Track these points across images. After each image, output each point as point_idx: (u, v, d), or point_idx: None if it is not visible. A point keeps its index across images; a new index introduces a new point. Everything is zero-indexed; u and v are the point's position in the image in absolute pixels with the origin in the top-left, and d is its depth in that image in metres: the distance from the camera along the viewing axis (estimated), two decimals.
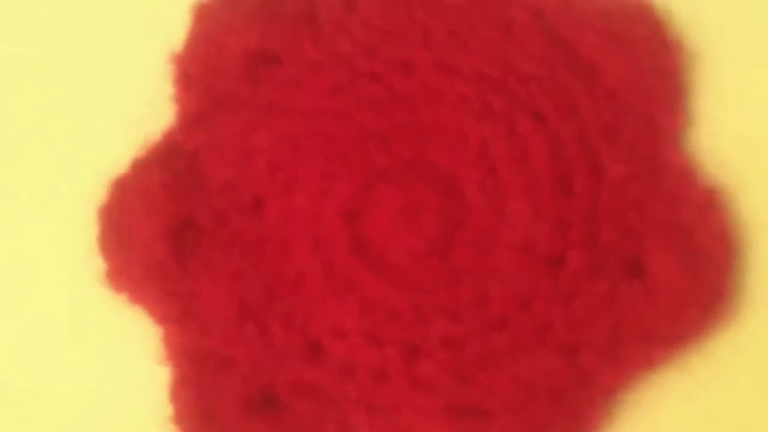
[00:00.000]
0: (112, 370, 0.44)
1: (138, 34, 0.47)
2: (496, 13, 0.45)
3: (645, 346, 0.41)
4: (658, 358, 0.41)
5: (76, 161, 0.46)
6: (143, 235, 0.43)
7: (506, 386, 0.41)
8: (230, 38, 0.45)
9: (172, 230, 0.43)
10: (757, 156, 0.43)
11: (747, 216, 0.43)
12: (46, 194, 0.46)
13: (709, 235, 0.42)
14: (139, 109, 0.45)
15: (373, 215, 0.43)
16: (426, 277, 0.42)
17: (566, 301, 0.42)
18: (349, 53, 0.45)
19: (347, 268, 0.43)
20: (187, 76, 0.45)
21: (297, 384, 0.42)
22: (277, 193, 0.44)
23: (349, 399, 0.42)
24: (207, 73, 0.45)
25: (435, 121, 0.44)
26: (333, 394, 0.42)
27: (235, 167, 0.44)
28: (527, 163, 0.43)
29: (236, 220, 0.44)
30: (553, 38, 0.45)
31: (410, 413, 0.42)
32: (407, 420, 0.42)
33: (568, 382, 0.41)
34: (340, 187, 0.44)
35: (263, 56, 0.45)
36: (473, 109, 0.44)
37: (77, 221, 0.44)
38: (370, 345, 0.42)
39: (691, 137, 0.44)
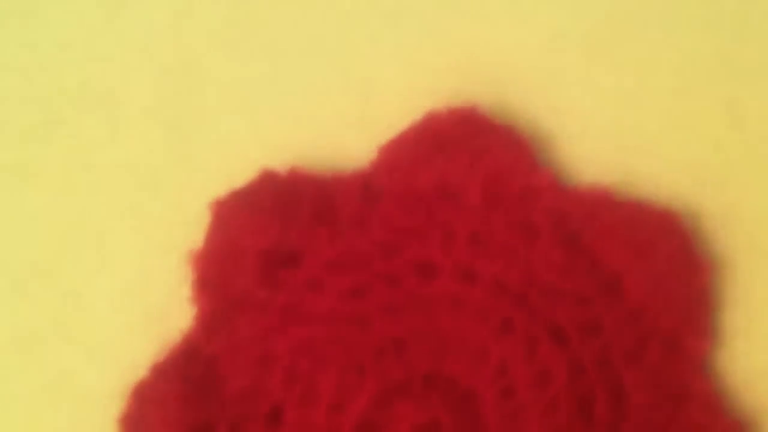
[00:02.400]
0: None
1: (158, 231, 0.48)
2: (518, 217, 0.45)
3: None
4: None
5: (94, 364, 0.47)
6: None
7: None
8: (247, 238, 0.46)
9: None
10: None
11: None
12: (63, 402, 0.47)
13: None
14: (159, 310, 0.46)
15: (389, 431, 0.44)
16: None
17: None
18: (368, 253, 0.46)
19: None
20: (204, 278, 0.46)
21: None
22: (294, 403, 0.45)
23: None
24: (224, 274, 0.46)
25: (454, 332, 0.45)
26: None
27: (252, 374, 0.45)
28: (547, 385, 0.43)
29: (253, 430, 0.45)
30: (576, 246, 0.45)
31: None
32: None
33: None
34: (357, 400, 0.44)
35: (280, 256, 0.46)
36: (492, 323, 0.44)
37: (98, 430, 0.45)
38: None
39: (719, 360, 0.44)
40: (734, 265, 0.44)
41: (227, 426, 0.45)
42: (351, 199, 0.47)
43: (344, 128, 0.48)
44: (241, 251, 0.46)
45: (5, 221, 0.49)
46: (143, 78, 0.51)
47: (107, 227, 0.49)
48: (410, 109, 0.47)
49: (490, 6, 0.50)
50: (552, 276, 0.44)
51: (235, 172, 0.47)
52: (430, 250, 0.46)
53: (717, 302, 0.44)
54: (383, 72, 0.49)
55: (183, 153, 0.49)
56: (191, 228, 0.47)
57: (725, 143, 0.46)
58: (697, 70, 0.48)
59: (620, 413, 0.43)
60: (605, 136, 0.47)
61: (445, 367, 0.44)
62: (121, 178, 0.49)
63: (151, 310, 0.47)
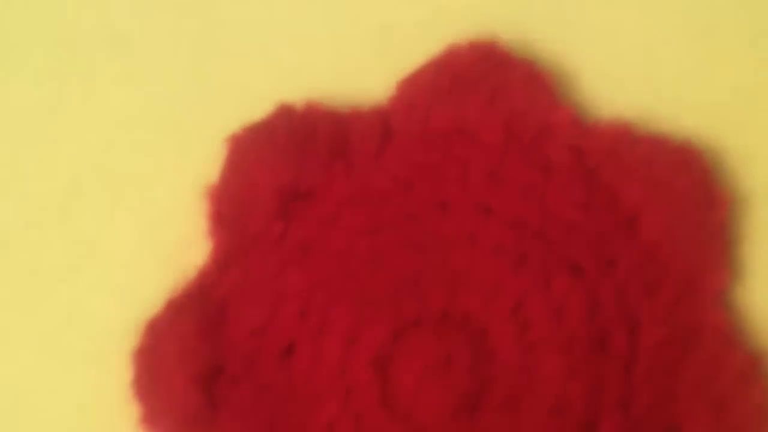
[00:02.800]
0: None
1: (175, 166, 0.48)
2: (537, 153, 0.45)
3: None
4: None
5: (109, 299, 0.47)
6: (176, 382, 0.44)
7: None
8: (263, 173, 0.46)
9: (204, 376, 0.44)
10: None
11: None
12: (78, 334, 0.47)
13: (746, 409, 0.42)
14: (175, 244, 0.47)
15: (404, 366, 0.44)
16: None
17: None
18: (384, 189, 0.46)
19: (375, 422, 0.44)
20: (220, 213, 0.46)
21: None
22: (308, 339, 0.45)
23: None
24: (240, 209, 0.46)
25: (470, 268, 0.45)
26: None
27: (266, 310, 0.45)
28: (563, 319, 0.43)
29: (267, 366, 0.45)
30: (594, 183, 0.45)
31: None
32: None
33: None
34: (371, 335, 0.44)
35: (296, 192, 0.46)
36: (509, 258, 0.44)
37: (111, 363, 0.46)
38: None
39: (737, 295, 0.44)
40: (753, 200, 0.44)
41: (241, 361, 0.45)
42: (368, 135, 0.47)
43: (362, 64, 0.48)
44: (256, 186, 0.46)
45: (21, 160, 0.50)
46: (160, 15, 0.51)
47: (124, 164, 0.49)
48: (429, 45, 0.47)
49: None
50: (569, 212, 0.44)
51: (251, 107, 0.47)
52: (447, 186, 0.46)
53: (735, 238, 0.44)
54: (403, 7, 0.49)
55: (199, 89, 0.49)
56: (207, 164, 0.46)
57: (746, 82, 0.46)
58: (720, 7, 0.47)
59: (636, 348, 0.43)
60: (626, 74, 0.47)
61: (460, 303, 0.44)
62: (138, 114, 0.49)
63: (167, 246, 0.47)
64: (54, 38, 0.51)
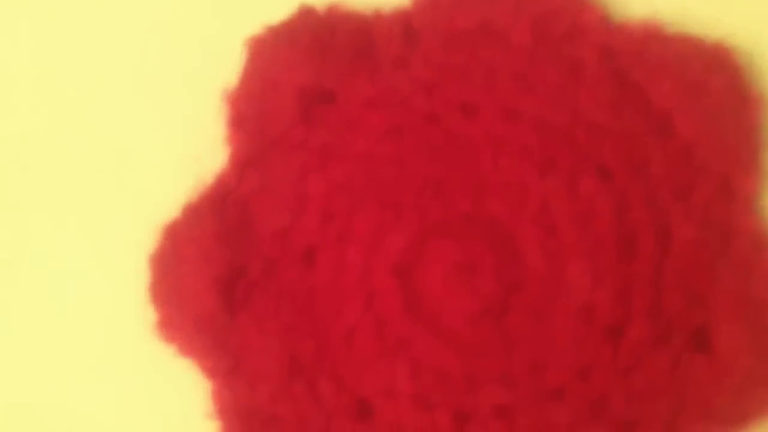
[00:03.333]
0: (161, 423, 0.45)
1: (193, 70, 0.47)
2: (565, 54, 0.44)
3: (705, 425, 0.41)
4: None
5: (126, 204, 0.47)
6: (195, 285, 0.44)
7: None
8: (284, 75, 0.45)
9: (222, 280, 0.44)
10: None
11: None
12: (95, 239, 0.47)
13: None
14: (193, 149, 0.46)
15: (428, 271, 0.43)
16: (480, 341, 0.43)
17: (625, 374, 0.41)
18: (408, 91, 0.45)
19: (399, 327, 0.43)
20: (240, 116, 0.46)
21: None
22: (330, 243, 0.44)
23: None
24: (260, 112, 0.46)
25: (495, 171, 0.44)
26: None
27: (287, 215, 0.45)
28: (590, 223, 0.42)
29: (288, 270, 0.44)
30: (625, 84, 0.44)
31: None
32: None
33: None
34: (394, 240, 0.44)
35: (318, 94, 0.45)
36: (536, 162, 0.43)
37: (128, 268, 0.45)
38: (420, 409, 0.43)
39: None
40: None
41: (261, 266, 0.45)
42: (391, 37, 0.46)
43: None
44: (278, 88, 0.45)
45: (44, 61, 0.49)
46: None
47: (144, 67, 0.48)
48: None
49: None
50: (599, 114, 0.43)
51: (273, 9, 0.46)
52: (473, 89, 0.45)
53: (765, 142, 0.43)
54: None
55: None
56: (228, 67, 0.46)
57: None
58: None
59: (665, 251, 0.42)
60: None
61: (485, 207, 0.44)
62: (159, 18, 0.48)
63: (187, 151, 0.46)
64: None
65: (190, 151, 0.46)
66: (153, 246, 0.45)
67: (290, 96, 0.45)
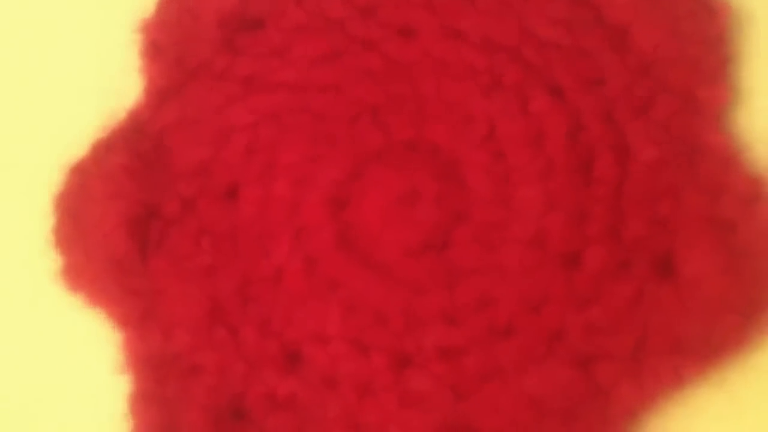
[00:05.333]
0: (66, 379, 0.41)
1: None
2: None
3: (674, 359, 0.38)
4: (689, 373, 0.37)
5: (31, 143, 0.44)
6: (103, 225, 0.41)
7: (510, 404, 0.38)
8: (205, 1, 0.43)
9: (135, 219, 0.41)
10: None
11: None
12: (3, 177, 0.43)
13: (753, 231, 0.38)
14: (103, 83, 0.43)
15: (363, 204, 0.41)
16: (421, 276, 0.39)
17: (583, 306, 0.38)
18: (341, 16, 0.43)
19: (331, 265, 0.40)
20: (156, 46, 0.43)
21: (271, 397, 0.39)
22: (254, 178, 0.41)
23: (330, 415, 0.39)
24: (179, 41, 0.43)
25: (437, 96, 0.41)
26: (311, 409, 0.39)
27: (207, 149, 0.42)
28: (541, 144, 0.40)
29: (207, 208, 0.41)
30: None
31: None
32: None
33: (582, 399, 0.38)
34: (326, 172, 0.41)
35: (242, 22, 0.43)
36: (481, 83, 0.41)
37: (32, 211, 0.42)
38: (355, 353, 0.39)
39: (736, 115, 0.40)
40: (757, 18, 0.41)
41: (178, 204, 0.42)
42: None
43: None
44: (197, 15, 0.43)
45: None
46: None
47: None
48: None
49: None
50: (549, 31, 0.41)
51: None
52: (411, 10, 0.42)
53: (736, 56, 0.40)
54: None
55: None
56: None
57: None
58: None
59: (624, 172, 0.39)
60: None
61: (427, 134, 0.41)
62: None
63: (97, 83, 0.43)
64: None
65: (100, 84, 0.43)
66: (59, 185, 0.41)
67: (211, 23, 0.43)
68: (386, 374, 0.39)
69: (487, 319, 0.39)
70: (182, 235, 0.41)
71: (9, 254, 0.43)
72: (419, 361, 0.39)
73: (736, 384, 0.38)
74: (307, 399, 0.39)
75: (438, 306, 0.39)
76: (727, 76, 0.40)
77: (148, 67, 0.43)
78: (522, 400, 0.38)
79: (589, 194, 0.39)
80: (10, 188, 0.43)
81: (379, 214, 0.40)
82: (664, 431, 0.38)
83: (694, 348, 0.37)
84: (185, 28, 0.43)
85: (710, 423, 0.38)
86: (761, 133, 0.40)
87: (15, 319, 0.42)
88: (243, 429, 0.39)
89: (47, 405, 0.41)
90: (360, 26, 0.42)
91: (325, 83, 0.42)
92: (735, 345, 0.37)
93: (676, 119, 0.40)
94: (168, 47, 0.43)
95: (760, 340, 0.38)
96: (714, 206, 0.38)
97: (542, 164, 0.39)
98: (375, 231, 0.40)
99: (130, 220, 0.41)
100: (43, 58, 0.45)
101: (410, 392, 0.38)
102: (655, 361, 0.38)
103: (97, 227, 0.41)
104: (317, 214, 0.40)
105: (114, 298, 0.41)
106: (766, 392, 0.38)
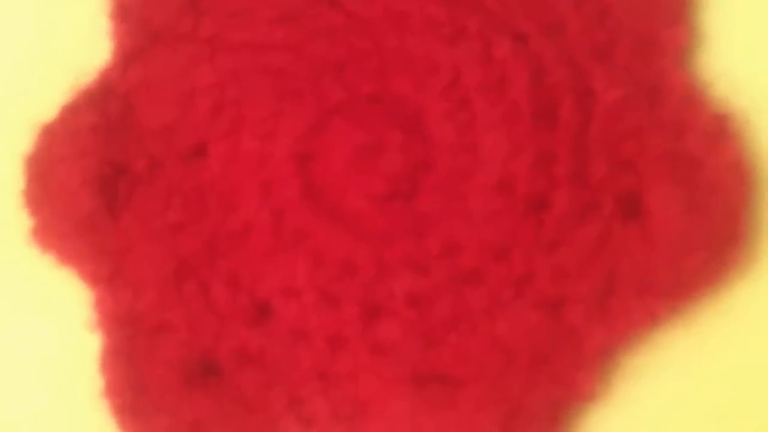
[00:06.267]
0: (37, 337, 0.42)
1: None
2: None
3: (643, 299, 0.38)
4: (659, 313, 0.38)
5: (1, 107, 0.44)
6: (70, 184, 0.41)
7: (480, 349, 0.38)
8: None
9: (102, 178, 0.41)
10: None
11: (763, 146, 0.39)
12: None
13: (719, 168, 0.38)
14: (73, 45, 0.44)
15: (328, 156, 0.41)
16: (388, 225, 0.40)
17: (550, 248, 0.38)
18: None
19: (299, 217, 0.40)
20: (123, 8, 0.43)
21: (241, 351, 0.39)
22: (220, 135, 0.42)
23: (301, 367, 0.39)
24: (145, 3, 0.43)
25: (399, 49, 0.41)
26: (282, 362, 0.39)
27: (174, 108, 0.42)
28: (505, 90, 0.40)
29: (175, 166, 0.42)
30: None
31: (370, 382, 0.39)
32: (367, 390, 0.39)
33: (552, 342, 0.38)
34: (291, 126, 0.41)
35: None
36: (443, 33, 0.41)
37: (2, 172, 0.42)
38: (324, 305, 0.39)
39: (698, 55, 0.40)
40: None
41: (146, 163, 0.42)
42: None
43: None
44: None
45: None
46: None
47: None
48: None
49: None
50: None
51: None
52: None
53: None
54: None
55: None
56: None
57: None
58: None
59: (588, 115, 0.39)
60: None
61: (390, 86, 0.41)
62: None
63: (65, 46, 0.44)
64: None
65: (70, 47, 0.43)
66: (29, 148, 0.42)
67: None
68: (356, 324, 0.39)
69: (455, 266, 0.39)
70: (150, 194, 0.41)
71: None
72: (388, 310, 0.39)
73: (705, 322, 0.38)
74: (278, 352, 0.39)
75: (406, 254, 0.39)
76: (686, 16, 0.40)
77: (116, 29, 0.43)
78: (492, 345, 0.38)
79: (554, 138, 0.39)
80: None
81: (345, 166, 0.40)
82: (635, 370, 0.38)
83: (664, 286, 0.38)
84: None
85: (681, 362, 0.38)
86: (723, 72, 0.40)
87: None
88: (214, 384, 0.39)
89: (18, 362, 0.41)
90: None
91: (287, 42, 0.42)
92: (705, 282, 0.38)
93: (638, 61, 0.40)
94: (134, 9, 0.43)
95: (731, 276, 0.38)
96: (678, 144, 0.39)
97: (506, 109, 0.40)
98: (341, 182, 0.40)
99: (97, 178, 0.41)
100: (15, 21, 0.45)
101: (380, 341, 0.39)
102: (624, 301, 0.38)
103: (64, 186, 0.41)
104: (283, 168, 0.41)
105: (83, 256, 0.41)
106: (734, 329, 0.38)
